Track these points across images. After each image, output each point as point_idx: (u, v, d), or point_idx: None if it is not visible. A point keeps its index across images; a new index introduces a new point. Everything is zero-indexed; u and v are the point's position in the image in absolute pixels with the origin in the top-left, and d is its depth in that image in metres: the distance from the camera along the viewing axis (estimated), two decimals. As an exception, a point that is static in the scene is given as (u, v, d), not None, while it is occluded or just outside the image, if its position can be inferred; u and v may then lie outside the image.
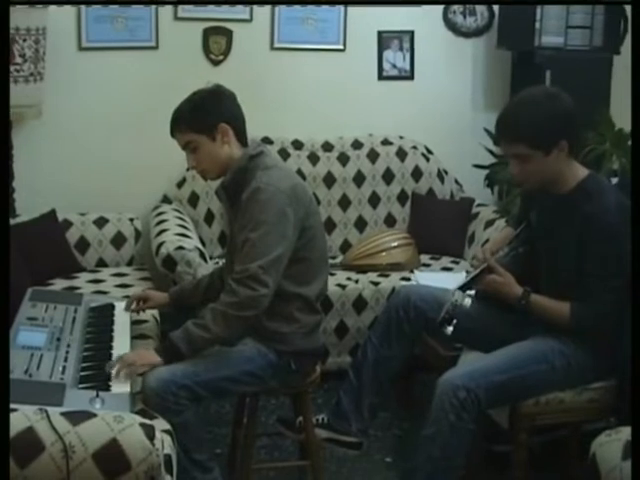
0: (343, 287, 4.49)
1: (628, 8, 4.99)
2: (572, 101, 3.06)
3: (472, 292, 3.13)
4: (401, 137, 5.33)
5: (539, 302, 3.11)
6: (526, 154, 2.96)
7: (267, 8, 5.09)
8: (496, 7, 5.44)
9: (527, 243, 3.26)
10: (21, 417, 2.10)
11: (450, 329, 3.06)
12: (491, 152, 5.06)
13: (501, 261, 3.21)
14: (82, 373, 2.78)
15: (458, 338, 3.36)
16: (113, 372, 2.78)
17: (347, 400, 3.48)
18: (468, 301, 3.03)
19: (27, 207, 4.52)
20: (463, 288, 3.10)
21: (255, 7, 5.06)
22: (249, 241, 2.90)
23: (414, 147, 5.30)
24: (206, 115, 3.05)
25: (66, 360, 2.82)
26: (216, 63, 5.08)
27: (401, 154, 5.26)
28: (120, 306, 3.44)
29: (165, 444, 2.32)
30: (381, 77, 5.43)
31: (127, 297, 3.56)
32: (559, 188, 3.08)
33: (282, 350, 3.08)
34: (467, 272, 4.06)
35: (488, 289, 3.15)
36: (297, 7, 5.13)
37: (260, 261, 2.87)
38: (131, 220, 4.71)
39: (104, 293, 4.03)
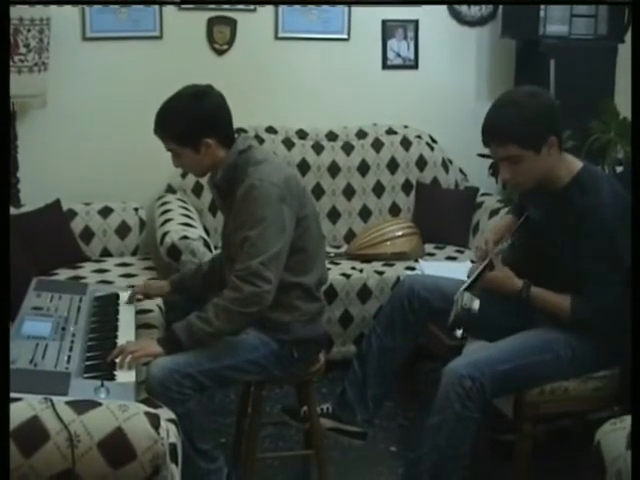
0: (347, 276, 4.50)
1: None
2: (553, 97, 3.05)
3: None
4: (405, 126, 5.33)
5: (540, 295, 3.09)
6: (517, 155, 2.94)
7: (271, -3, 5.10)
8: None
9: (530, 234, 3.25)
10: (26, 406, 2.11)
11: (460, 332, 3.05)
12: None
13: (505, 252, 3.20)
14: (87, 362, 2.79)
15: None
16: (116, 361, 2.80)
17: (352, 390, 3.48)
18: (477, 304, 2.98)
19: (32, 197, 4.52)
20: (469, 288, 3.09)
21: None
22: (249, 239, 2.90)
23: (418, 136, 5.30)
24: (190, 130, 2.99)
25: (71, 350, 2.83)
26: (220, 53, 5.08)
27: (405, 143, 5.26)
28: (125, 296, 3.44)
29: (170, 433, 2.33)
30: (385, 66, 5.43)
31: (132, 287, 3.56)
32: (554, 184, 3.06)
33: (284, 339, 3.08)
34: (471, 261, 4.05)
35: (489, 287, 3.12)
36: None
37: (261, 258, 2.87)
38: (135, 210, 4.71)
39: (109, 283, 4.02)
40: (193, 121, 2.99)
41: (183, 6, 4.92)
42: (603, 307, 3.00)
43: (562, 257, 3.08)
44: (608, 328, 3.04)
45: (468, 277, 3.27)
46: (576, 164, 3.09)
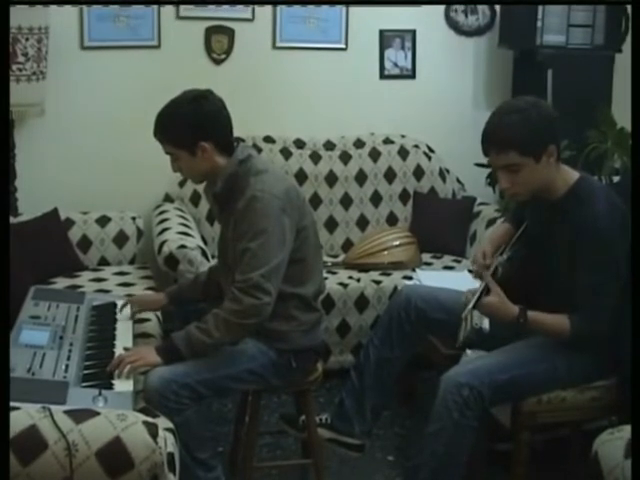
0: (345, 286, 4.49)
1: (629, 6, 4.99)
2: (552, 108, 3.05)
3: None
4: (403, 136, 5.34)
5: (537, 319, 3.03)
6: (517, 163, 2.93)
7: (269, 7, 5.10)
8: (498, 6, 5.44)
9: (527, 246, 3.24)
10: (24, 415, 2.11)
11: (470, 352, 3.04)
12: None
13: (503, 265, 3.18)
14: (85, 371, 2.79)
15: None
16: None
17: (349, 401, 3.48)
18: (487, 323, 2.92)
19: (29, 206, 4.53)
20: (476, 306, 3.02)
21: (257, 6, 5.07)
22: (249, 251, 2.90)
23: (416, 146, 5.30)
24: (186, 133, 2.99)
25: (69, 358, 2.82)
26: (218, 62, 5.08)
27: (403, 153, 5.26)
28: (122, 306, 3.43)
29: (168, 442, 2.32)
30: (383, 76, 5.44)
31: (129, 295, 3.55)
32: (551, 194, 3.06)
33: (282, 348, 3.08)
34: (469, 271, 4.05)
35: (485, 313, 3.07)
36: (299, 6, 5.15)
37: (261, 270, 2.87)
38: (133, 219, 4.70)
39: (106, 292, 4.02)
40: (190, 124, 2.99)
41: (181, 15, 4.92)
42: (602, 321, 2.99)
43: (559, 269, 3.07)
44: (607, 339, 3.04)
45: (466, 291, 3.25)
46: (572, 175, 3.08)
